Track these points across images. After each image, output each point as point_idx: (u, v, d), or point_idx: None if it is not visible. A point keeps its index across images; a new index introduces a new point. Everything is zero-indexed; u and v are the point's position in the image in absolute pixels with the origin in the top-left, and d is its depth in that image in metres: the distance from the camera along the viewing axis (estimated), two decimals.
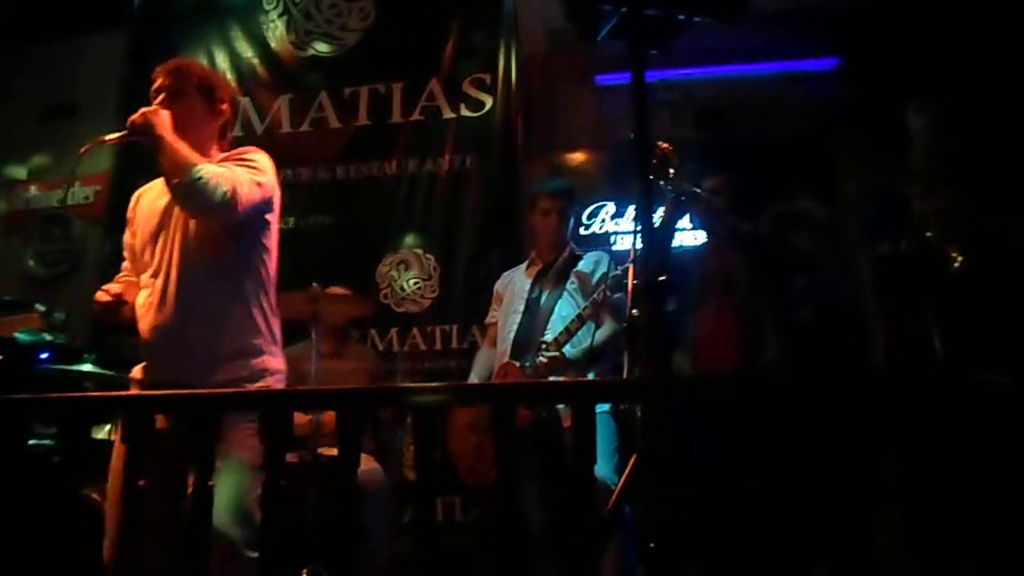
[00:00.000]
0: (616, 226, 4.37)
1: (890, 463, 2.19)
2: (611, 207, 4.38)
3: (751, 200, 4.22)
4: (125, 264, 2.54)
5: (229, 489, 2.03)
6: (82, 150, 2.42)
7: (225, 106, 2.44)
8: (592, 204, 4.38)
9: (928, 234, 2.81)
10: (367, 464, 3.57)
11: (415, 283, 4.34)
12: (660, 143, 3.11)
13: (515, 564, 1.71)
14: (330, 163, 4.55)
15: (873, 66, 4.22)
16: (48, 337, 4.09)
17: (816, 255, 4.16)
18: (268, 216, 2.39)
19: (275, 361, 2.29)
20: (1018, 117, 3.07)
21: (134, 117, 2.30)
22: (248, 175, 2.26)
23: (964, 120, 3.03)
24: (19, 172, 4.95)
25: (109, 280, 4.08)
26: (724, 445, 2.71)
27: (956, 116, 3.03)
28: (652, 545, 2.89)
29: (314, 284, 3.29)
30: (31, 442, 3.09)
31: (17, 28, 4.83)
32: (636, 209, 2.16)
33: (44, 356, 4.01)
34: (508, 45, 4.45)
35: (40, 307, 3.93)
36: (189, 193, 2.19)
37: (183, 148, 2.22)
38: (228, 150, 2.42)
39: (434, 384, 1.76)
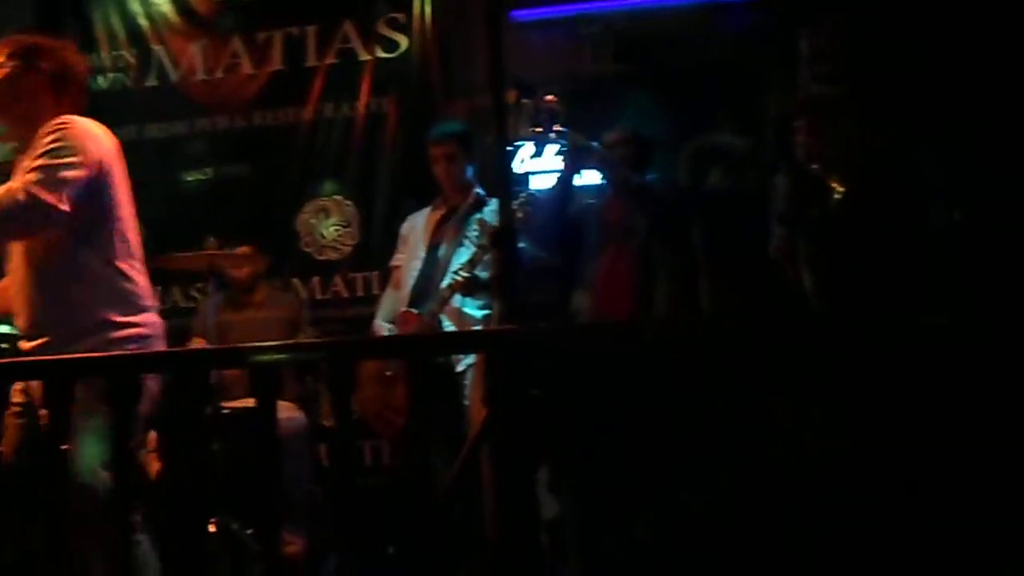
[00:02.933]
0: (535, 166, 4.33)
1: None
2: (530, 147, 4.33)
3: (673, 135, 4.20)
4: None
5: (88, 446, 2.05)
6: None
7: (44, 64, 2.36)
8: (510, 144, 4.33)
9: (812, 166, 2.80)
10: (287, 412, 3.62)
11: (335, 230, 4.33)
12: (545, 96, 3.11)
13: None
14: (246, 110, 4.48)
15: None
16: None
17: (731, 191, 4.15)
18: (100, 190, 2.29)
19: (132, 331, 2.25)
20: (932, 41, 3.02)
21: None
22: (48, 173, 2.16)
23: (865, 44, 2.98)
24: None
25: None
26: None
27: (854, 39, 2.99)
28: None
29: (211, 239, 3.28)
30: None
31: None
32: (494, 156, 2.15)
33: None
34: None
35: None
36: None
37: None
38: (74, 108, 2.36)
39: (270, 344, 1.77)
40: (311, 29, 4.47)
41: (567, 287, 3.35)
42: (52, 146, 2.20)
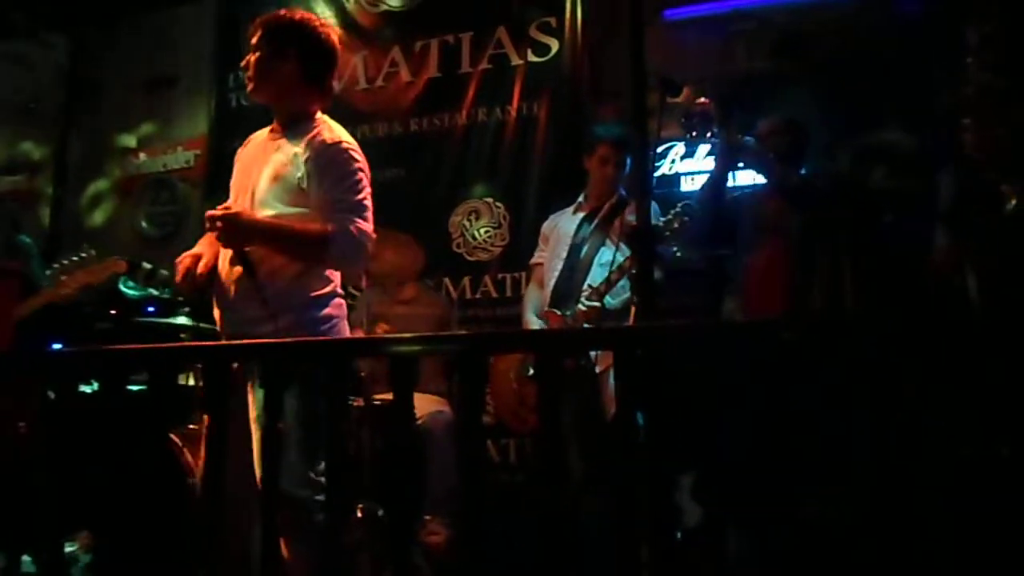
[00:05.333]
0: (686, 167, 4.27)
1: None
2: (680, 147, 4.27)
3: (833, 133, 4.02)
4: (229, 203, 2.58)
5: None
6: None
7: (292, 48, 2.40)
8: (661, 145, 4.27)
9: (981, 164, 2.62)
10: (434, 406, 3.74)
11: (486, 231, 4.43)
12: (699, 100, 3.06)
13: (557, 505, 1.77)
14: (403, 116, 4.67)
15: None
16: (155, 292, 4.47)
17: (897, 192, 3.92)
18: None
19: (335, 310, 2.39)
20: None
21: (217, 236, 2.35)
22: (358, 208, 2.33)
23: None
24: (129, 140, 5.36)
25: None
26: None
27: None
28: None
29: None
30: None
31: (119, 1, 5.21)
32: (633, 156, 2.15)
33: (151, 309, 4.40)
34: None
35: (147, 264, 4.28)
36: (338, 262, 2.35)
37: (285, 229, 2.31)
38: (323, 94, 2.49)
39: (407, 335, 1.84)
40: (466, 36, 4.61)
41: (717, 289, 3.27)
42: (352, 178, 2.35)
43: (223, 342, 2.04)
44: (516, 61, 4.49)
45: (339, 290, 2.45)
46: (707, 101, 2.99)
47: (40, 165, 5.57)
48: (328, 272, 2.41)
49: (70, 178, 5.47)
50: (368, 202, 2.36)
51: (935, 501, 1.54)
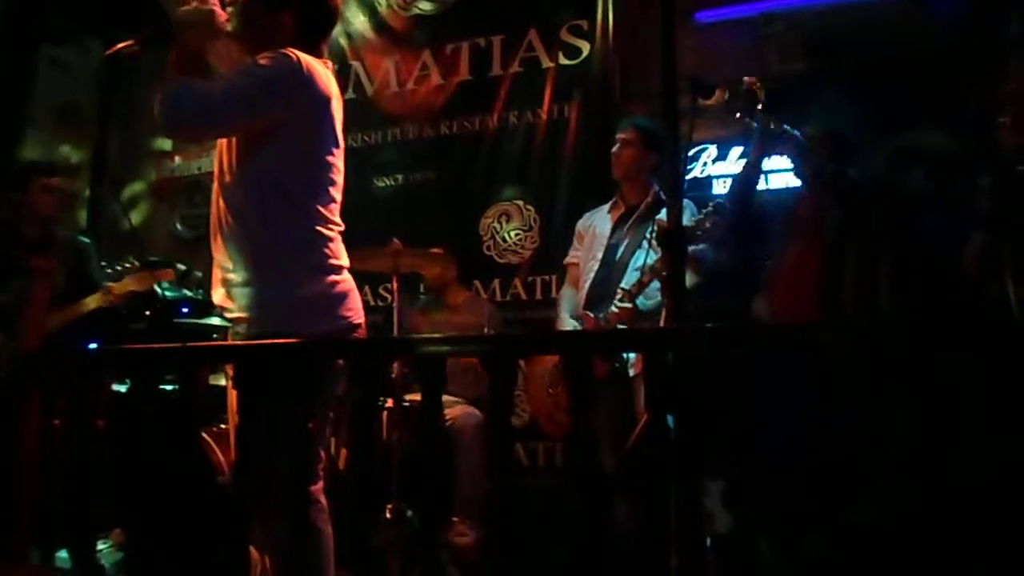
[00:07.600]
0: (718, 169, 4.23)
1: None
2: (712, 150, 4.24)
3: (867, 134, 3.97)
4: None
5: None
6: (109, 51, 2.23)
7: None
8: (693, 147, 4.25)
9: (1020, 165, 2.57)
10: (463, 409, 3.74)
11: (516, 234, 4.43)
12: (746, 78, 3.03)
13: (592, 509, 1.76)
14: (434, 119, 4.69)
15: None
16: (188, 293, 4.53)
17: (935, 193, 3.85)
18: (309, 115, 2.11)
19: (318, 289, 2.07)
20: None
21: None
22: (234, 84, 2.01)
23: None
24: (164, 144, 5.43)
25: None
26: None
27: None
28: None
29: (394, 240, 3.44)
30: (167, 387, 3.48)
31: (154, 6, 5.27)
32: (669, 151, 2.12)
33: (185, 310, 4.45)
34: None
35: (181, 266, 4.34)
36: (157, 109, 2.04)
37: (180, 60, 2.06)
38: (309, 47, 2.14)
39: (434, 336, 1.84)
40: (497, 39, 4.61)
41: (748, 291, 3.23)
42: (253, 63, 2.04)
43: (256, 342, 2.03)
44: (547, 64, 4.49)
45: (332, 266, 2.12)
46: (754, 80, 2.96)
47: (78, 167, 5.66)
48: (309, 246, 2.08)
49: (107, 180, 5.55)
50: (235, 87, 2.01)
51: (973, 505, 1.50)
